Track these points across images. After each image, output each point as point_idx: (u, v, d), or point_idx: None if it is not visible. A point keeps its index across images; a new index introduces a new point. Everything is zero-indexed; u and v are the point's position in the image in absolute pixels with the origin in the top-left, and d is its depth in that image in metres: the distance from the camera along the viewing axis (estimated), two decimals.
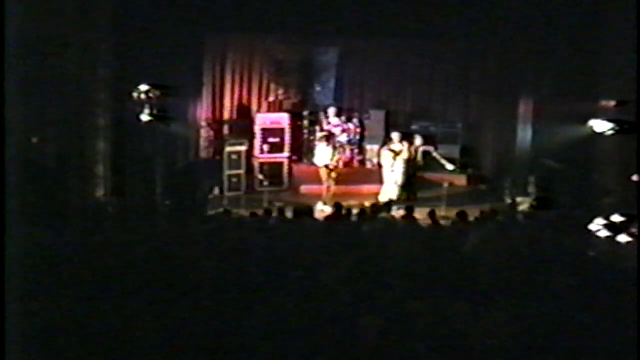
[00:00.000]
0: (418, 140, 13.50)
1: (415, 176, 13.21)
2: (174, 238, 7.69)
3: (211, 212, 12.04)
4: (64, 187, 10.33)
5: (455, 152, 14.45)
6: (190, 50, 13.90)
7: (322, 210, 12.11)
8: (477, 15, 12.57)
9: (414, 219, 10.21)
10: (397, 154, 12.89)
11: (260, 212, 10.90)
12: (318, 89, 15.61)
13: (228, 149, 13.88)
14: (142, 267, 5.89)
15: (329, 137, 14.85)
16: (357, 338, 4.58)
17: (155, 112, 11.22)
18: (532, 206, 12.16)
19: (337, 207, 10.78)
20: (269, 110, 15.35)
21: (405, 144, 13.03)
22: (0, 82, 4.29)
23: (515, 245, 7.49)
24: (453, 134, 14.83)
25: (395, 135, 13.24)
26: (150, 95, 11.11)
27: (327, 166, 13.27)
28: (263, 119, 14.68)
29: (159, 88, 11.19)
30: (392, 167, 12.86)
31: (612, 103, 10.63)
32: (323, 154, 13.37)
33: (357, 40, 15.09)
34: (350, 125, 15.14)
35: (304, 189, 13.69)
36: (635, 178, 9.91)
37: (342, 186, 13.60)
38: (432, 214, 10.32)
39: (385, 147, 13.25)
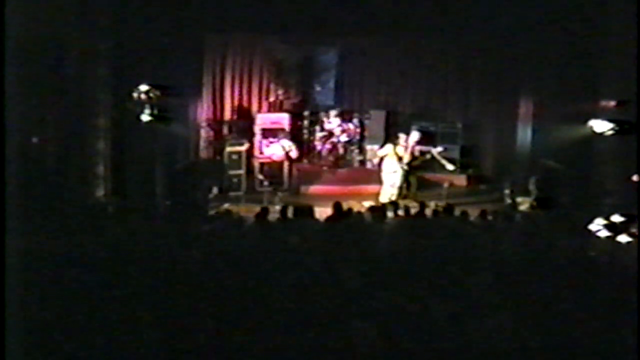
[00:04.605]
0: (414, 137, 13.38)
1: (415, 177, 13.19)
2: (174, 238, 7.68)
3: (211, 212, 12.03)
4: (64, 187, 10.32)
5: (455, 152, 14.45)
6: (190, 50, 13.90)
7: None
8: (477, 15, 12.56)
9: (413, 219, 10.21)
10: (399, 157, 12.85)
11: (260, 212, 10.89)
12: (318, 89, 15.62)
13: (228, 149, 13.89)
14: (142, 267, 5.88)
15: (329, 137, 14.93)
16: (357, 338, 4.58)
17: (155, 112, 11.21)
18: (532, 206, 12.16)
19: (337, 207, 10.76)
20: (269, 110, 15.35)
21: (410, 143, 12.98)
22: (0, 82, 4.28)
23: (515, 245, 7.49)
24: (453, 134, 14.83)
25: (401, 137, 13.16)
26: (150, 95, 11.10)
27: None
28: (263, 119, 14.68)
29: (159, 88, 11.18)
30: (393, 169, 12.83)
31: (612, 103, 10.63)
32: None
33: (357, 40, 15.10)
34: (350, 125, 15.15)
35: (304, 189, 13.69)
36: (635, 178, 9.91)
37: (342, 186, 13.62)
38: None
39: (390, 148, 13.15)
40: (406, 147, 12.94)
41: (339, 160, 15.13)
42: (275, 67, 15.52)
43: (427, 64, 15.51)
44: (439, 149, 13.39)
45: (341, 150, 15.19)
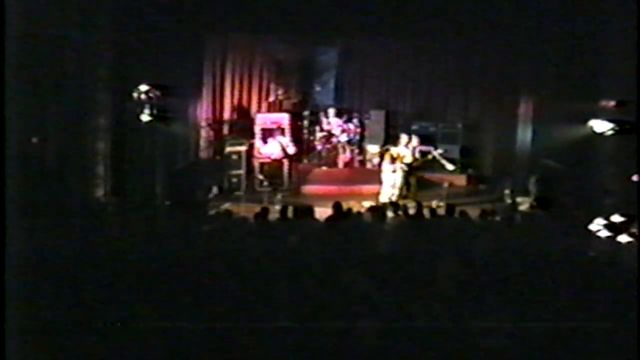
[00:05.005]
0: (415, 141, 13.43)
1: (415, 177, 13.17)
2: (174, 238, 7.68)
3: (211, 212, 12.03)
4: (64, 186, 10.32)
5: (455, 152, 14.45)
6: (190, 50, 13.90)
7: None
8: (477, 15, 12.56)
9: (413, 219, 10.20)
10: (400, 157, 12.82)
11: (260, 212, 10.89)
12: (318, 89, 15.62)
13: (228, 149, 13.89)
14: (142, 266, 5.88)
15: (329, 137, 14.93)
16: (357, 337, 4.58)
17: (155, 112, 11.22)
18: (532, 206, 12.15)
19: (337, 207, 10.77)
20: (269, 110, 15.36)
21: (410, 147, 12.97)
22: (1, 82, 4.28)
23: (515, 245, 7.49)
24: (453, 134, 14.84)
25: (403, 138, 13.14)
26: (150, 95, 11.10)
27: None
28: (263, 119, 14.68)
29: (159, 88, 11.18)
30: (393, 169, 12.81)
31: (612, 103, 10.63)
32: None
33: (357, 40, 15.10)
34: (350, 125, 15.15)
35: (304, 189, 13.69)
36: (635, 178, 9.91)
37: (342, 186, 13.62)
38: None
39: (389, 148, 13.15)
40: (407, 148, 12.94)
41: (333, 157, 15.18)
42: (275, 67, 15.52)
43: (427, 64, 15.52)
44: (440, 151, 13.39)
45: (341, 150, 15.19)
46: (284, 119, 14.59)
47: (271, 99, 15.60)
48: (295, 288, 5.42)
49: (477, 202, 12.52)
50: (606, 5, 10.77)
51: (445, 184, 12.84)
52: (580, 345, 4.60)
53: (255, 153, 14.21)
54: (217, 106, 15.38)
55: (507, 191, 13.02)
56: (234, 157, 13.75)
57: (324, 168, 14.98)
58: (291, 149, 13.95)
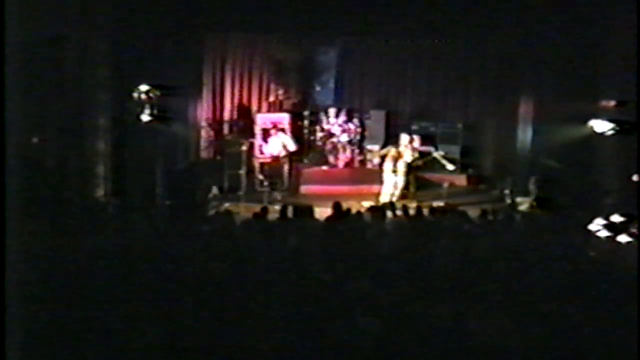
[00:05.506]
0: (416, 143, 13.44)
1: (415, 177, 13.17)
2: (174, 238, 7.68)
3: (211, 212, 12.03)
4: (64, 187, 10.33)
5: (455, 152, 14.45)
6: (190, 50, 13.90)
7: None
8: (477, 15, 12.56)
9: (413, 219, 10.20)
10: (401, 157, 12.81)
11: (260, 212, 10.89)
12: (318, 89, 15.62)
13: (229, 149, 13.90)
14: (142, 267, 5.89)
15: (329, 137, 14.92)
16: (356, 338, 4.58)
17: (155, 112, 11.22)
18: (532, 206, 12.15)
19: (337, 207, 10.77)
20: (269, 110, 15.36)
21: (410, 147, 12.96)
22: (1, 82, 4.28)
23: (515, 245, 7.49)
24: (453, 134, 14.84)
25: (404, 138, 13.10)
26: (150, 95, 11.11)
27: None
28: (263, 119, 14.68)
29: (159, 88, 11.20)
30: (393, 168, 12.81)
31: (612, 103, 10.64)
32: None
33: (357, 40, 15.10)
34: (350, 125, 15.15)
35: (304, 189, 13.68)
36: (635, 178, 9.91)
37: (342, 186, 13.62)
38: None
39: (390, 148, 13.14)
40: (407, 148, 12.94)
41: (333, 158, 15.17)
42: (275, 67, 15.52)
43: (427, 64, 15.52)
44: (440, 152, 13.38)
45: (341, 150, 15.19)
46: (284, 119, 14.59)
47: (271, 99, 15.60)
48: (295, 288, 5.42)
49: (477, 202, 12.52)
50: (606, 5, 10.77)
51: (445, 184, 12.85)
52: (580, 345, 4.59)
53: (256, 153, 14.21)
54: (217, 106, 15.39)
55: (507, 191, 13.03)
56: (234, 157, 13.75)
57: (324, 168, 14.98)
58: (292, 146, 13.91)
